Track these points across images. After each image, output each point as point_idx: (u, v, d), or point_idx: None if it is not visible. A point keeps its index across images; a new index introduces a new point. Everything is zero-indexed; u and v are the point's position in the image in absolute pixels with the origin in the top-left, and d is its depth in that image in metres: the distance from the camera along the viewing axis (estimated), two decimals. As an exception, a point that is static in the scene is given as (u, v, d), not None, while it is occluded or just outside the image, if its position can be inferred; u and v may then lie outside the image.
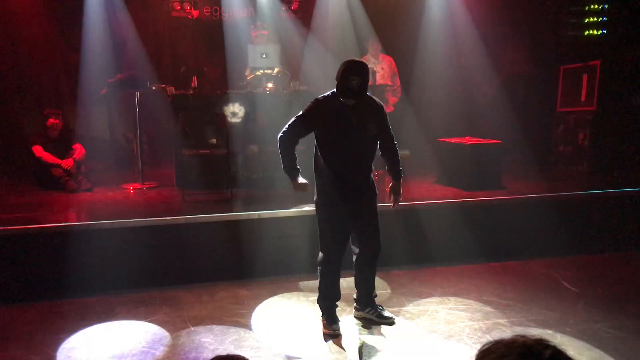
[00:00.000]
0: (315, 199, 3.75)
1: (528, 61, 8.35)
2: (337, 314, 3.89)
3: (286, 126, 3.67)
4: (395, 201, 3.89)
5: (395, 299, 4.39)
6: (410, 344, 3.63)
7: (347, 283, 4.42)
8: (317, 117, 3.63)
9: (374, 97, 3.83)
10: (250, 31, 7.42)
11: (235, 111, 6.59)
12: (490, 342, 1.21)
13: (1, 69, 7.77)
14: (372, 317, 3.93)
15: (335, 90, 3.62)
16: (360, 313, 4.00)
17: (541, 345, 1.16)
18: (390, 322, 3.89)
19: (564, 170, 7.79)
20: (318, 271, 3.78)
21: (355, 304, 4.04)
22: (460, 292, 4.51)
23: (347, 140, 3.61)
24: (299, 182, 3.66)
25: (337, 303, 3.86)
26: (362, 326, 3.89)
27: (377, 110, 3.74)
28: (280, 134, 3.68)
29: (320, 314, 3.88)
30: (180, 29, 8.82)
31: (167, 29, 8.80)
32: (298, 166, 3.68)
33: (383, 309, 3.98)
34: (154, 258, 4.71)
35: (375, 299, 4.00)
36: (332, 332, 3.75)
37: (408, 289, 4.59)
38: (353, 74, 3.49)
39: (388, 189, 3.91)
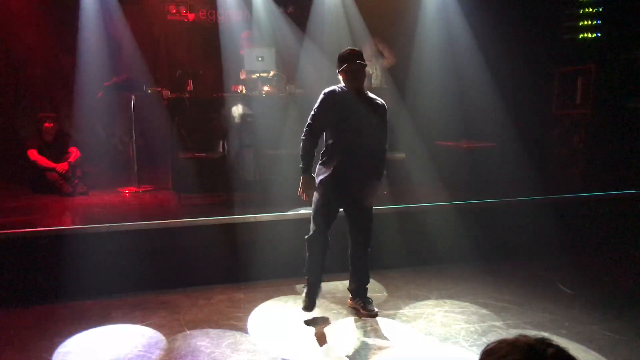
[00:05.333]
0: (316, 181, 3.93)
1: (523, 64, 8.37)
2: (334, 317, 3.98)
3: (305, 127, 3.90)
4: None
5: (391, 301, 4.39)
6: (406, 347, 3.63)
7: (343, 286, 4.44)
8: (330, 109, 3.85)
9: (376, 96, 4.01)
10: (241, 39, 7.45)
11: (232, 114, 6.59)
12: (494, 342, 1.23)
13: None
14: (359, 307, 4.12)
15: (341, 84, 3.91)
16: (351, 302, 4.21)
17: (544, 344, 1.18)
18: (372, 314, 4.04)
19: (559, 172, 7.80)
20: (305, 245, 4.00)
21: (350, 294, 4.25)
22: (456, 294, 4.52)
23: (352, 126, 3.83)
24: (308, 178, 3.86)
25: (328, 297, 3.90)
26: (359, 329, 3.89)
27: (380, 105, 3.95)
28: (302, 136, 3.90)
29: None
30: (176, 32, 8.81)
31: (163, 33, 8.79)
32: (311, 168, 3.91)
33: (371, 302, 4.11)
34: (150, 261, 4.69)
35: (371, 300, 4.16)
36: (304, 306, 4.00)
37: (404, 292, 4.59)
38: (355, 58, 3.81)
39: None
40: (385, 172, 4.09)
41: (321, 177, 3.91)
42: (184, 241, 4.82)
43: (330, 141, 3.90)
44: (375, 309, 4.09)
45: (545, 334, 3.66)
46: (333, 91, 3.88)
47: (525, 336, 1.22)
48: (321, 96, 3.88)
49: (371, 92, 4.05)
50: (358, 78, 3.85)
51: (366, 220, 4.00)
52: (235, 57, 7.36)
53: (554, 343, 1.19)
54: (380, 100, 3.99)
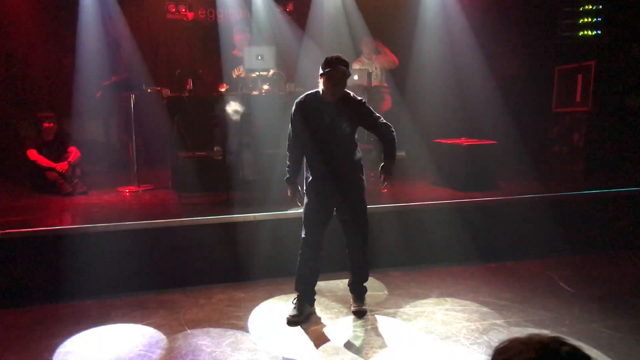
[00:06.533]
0: (304, 187, 3.97)
1: (523, 62, 8.36)
2: (335, 315, 3.97)
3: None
4: (385, 180, 3.90)
5: (392, 300, 4.39)
6: (407, 345, 3.62)
7: (343, 285, 4.43)
8: (298, 119, 3.84)
9: (352, 95, 3.90)
10: (233, 36, 7.43)
11: (231, 113, 6.57)
12: (506, 341, 1.22)
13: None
14: (351, 302, 4.15)
15: (318, 89, 3.80)
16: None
17: (558, 342, 1.17)
18: (361, 309, 4.05)
19: (559, 170, 7.80)
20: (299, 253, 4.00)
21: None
22: (457, 293, 4.52)
23: (320, 138, 3.81)
24: (293, 187, 3.93)
25: (328, 296, 3.90)
26: (360, 327, 3.89)
27: (353, 108, 3.83)
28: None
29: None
30: (175, 32, 8.81)
31: (162, 32, 8.80)
32: (296, 179, 3.91)
33: (362, 299, 4.13)
34: (150, 261, 4.69)
35: (369, 297, 4.21)
36: (289, 318, 3.94)
37: (405, 290, 4.59)
38: (338, 65, 3.66)
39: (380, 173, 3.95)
40: None
41: (308, 180, 3.93)
42: (184, 240, 4.81)
43: (307, 149, 3.89)
44: (365, 306, 4.10)
45: (546, 332, 3.67)
46: (302, 101, 3.84)
47: (538, 335, 1.21)
48: (293, 108, 3.86)
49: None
50: (338, 84, 3.69)
51: (360, 213, 3.96)
52: (234, 56, 7.35)
53: (568, 342, 1.18)
54: (355, 98, 3.86)
